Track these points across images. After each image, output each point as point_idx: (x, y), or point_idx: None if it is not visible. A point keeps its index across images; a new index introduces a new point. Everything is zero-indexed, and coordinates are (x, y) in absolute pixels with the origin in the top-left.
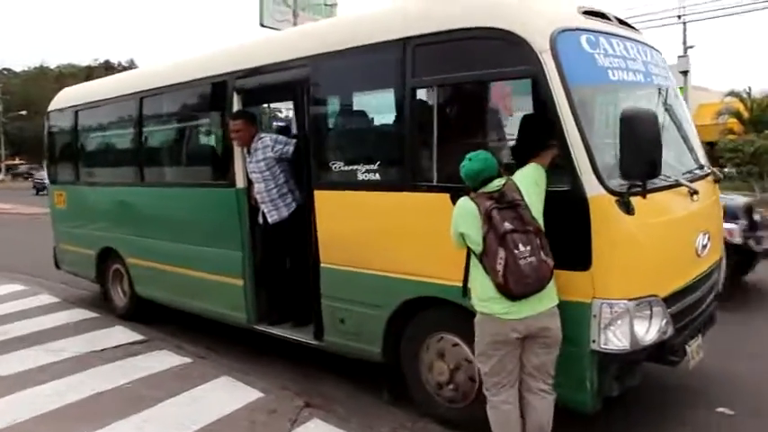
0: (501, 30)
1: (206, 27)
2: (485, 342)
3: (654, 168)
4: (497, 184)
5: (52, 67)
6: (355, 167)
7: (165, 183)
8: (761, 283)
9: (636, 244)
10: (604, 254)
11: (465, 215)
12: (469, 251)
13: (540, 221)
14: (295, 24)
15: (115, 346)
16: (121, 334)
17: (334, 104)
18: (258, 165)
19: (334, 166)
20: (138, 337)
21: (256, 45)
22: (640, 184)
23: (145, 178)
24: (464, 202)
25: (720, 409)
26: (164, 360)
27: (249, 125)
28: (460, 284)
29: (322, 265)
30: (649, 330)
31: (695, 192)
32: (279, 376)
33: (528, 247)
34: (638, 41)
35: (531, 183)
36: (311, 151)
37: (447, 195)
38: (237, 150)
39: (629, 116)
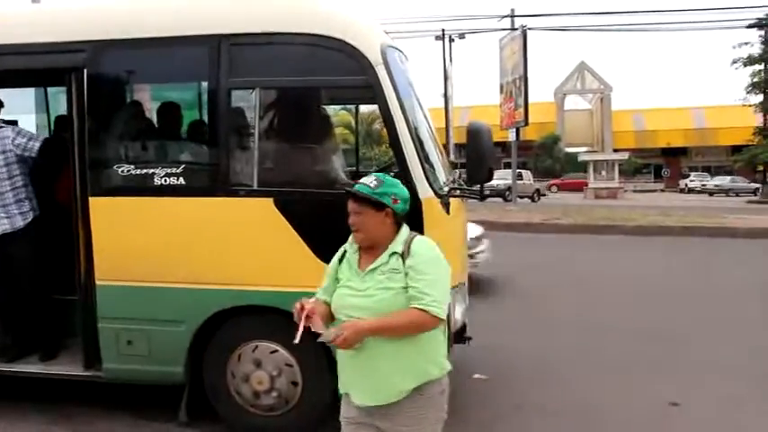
0: (335, 39)
1: None
2: (445, 409)
3: (491, 174)
4: None
5: None
6: (151, 171)
7: None
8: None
9: (452, 238)
10: None
11: None
12: None
13: None
14: None
15: None
16: None
17: (123, 100)
18: None
19: (120, 170)
20: None
21: None
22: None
23: None
24: None
25: (476, 376)
26: None
27: None
28: (281, 289)
29: (99, 282)
30: (458, 313)
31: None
32: (34, 422)
33: None
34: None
35: None
36: (85, 153)
37: (269, 200)
38: None
39: (477, 129)
